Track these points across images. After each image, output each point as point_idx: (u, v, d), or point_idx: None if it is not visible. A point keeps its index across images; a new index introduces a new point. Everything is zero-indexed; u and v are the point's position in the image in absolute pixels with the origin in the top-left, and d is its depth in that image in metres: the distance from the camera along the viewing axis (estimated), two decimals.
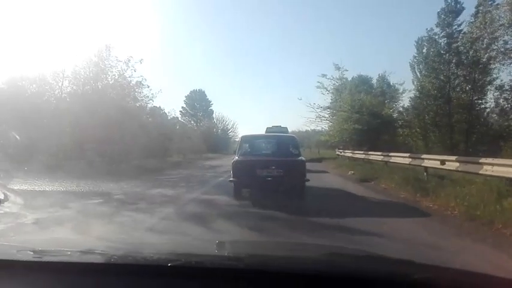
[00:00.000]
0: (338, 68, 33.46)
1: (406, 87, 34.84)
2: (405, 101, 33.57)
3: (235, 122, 72.05)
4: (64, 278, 1.44)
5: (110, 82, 25.04)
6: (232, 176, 9.59)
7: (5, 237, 3.59)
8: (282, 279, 1.40)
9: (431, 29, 31.70)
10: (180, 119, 70.42)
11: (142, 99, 29.76)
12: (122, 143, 24.51)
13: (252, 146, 11.00)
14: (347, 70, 32.95)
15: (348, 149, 27.86)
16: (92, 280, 1.44)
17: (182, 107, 73.74)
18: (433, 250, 4.79)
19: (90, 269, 1.49)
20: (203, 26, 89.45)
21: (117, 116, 25.72)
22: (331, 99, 42.12)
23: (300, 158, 10.04)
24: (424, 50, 34.05)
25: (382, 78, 50.31)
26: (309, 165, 11.16)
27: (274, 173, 9.21)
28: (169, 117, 62.62)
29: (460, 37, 30.20)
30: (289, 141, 11.39)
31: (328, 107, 31.52)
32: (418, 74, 52.97)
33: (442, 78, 30.18)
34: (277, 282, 1.39)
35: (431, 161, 11.80)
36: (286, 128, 31.01)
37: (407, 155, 14.53)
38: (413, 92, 32.44)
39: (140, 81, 27.62)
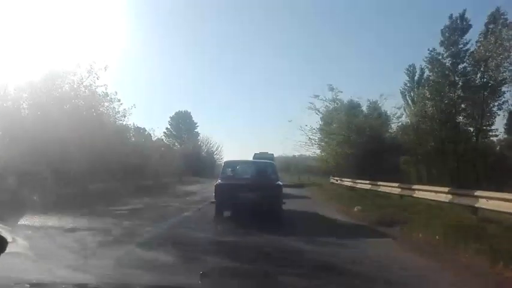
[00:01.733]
0: (332, 89, 29.91)
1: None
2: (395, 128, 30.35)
3: (220, 144, 67.92)
4: None
5: (67, 89, 20.77)
6: (214, 197, 10.06)
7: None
8: None
9: (434, 49, 28.37)
10: (164, 140, 67.05)
11: (109, 113, 25.79)
12: (79, 163, 20.38)
13: (233, 171, 11.56)
14: (341, 91, 29.45)
15: (344, 177, 23.89)
16: None
17: (166, 128, 69.61)
18: None
19: None
20: (190, 47, 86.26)
21: (76, 131, 21.68)
22: (323, 122, 38.74)
23: (277, 182, 10.47)
24: (427, 72, 30.76)
25: (374, 105, 47.17)
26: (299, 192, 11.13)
27: (252, 196, 9.65)
28: (153, 138, 59.16)
29: (467, 57, 27.13)
30: (268, 167, 12.02)
31: (322, 129, 27.72)
32: (409, 101, 50.13)
33: (446, 101, 26.86)
34: None
35: (491, 201, 7.80)
36: (273, 154, 30.39)
37: (443, 189, 10.45)
38: (406, 118, 29.32)
39: (106, 93, 23.70)
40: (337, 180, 22.89)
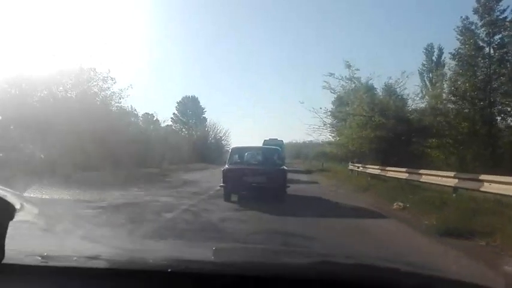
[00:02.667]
0: (348, 66, 26.58)
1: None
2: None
3: (227, 129, 64.72)
4: (69, 282, 1.45)
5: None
6: (222, 182, 10.39)
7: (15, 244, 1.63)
8: (278, 285, 1.39)
9: (467, 17, 24.60)
10: (173, 126, 64.18)
11: (106, 95, 23.02)
12: (70, 148, 17.70)
13: (240, 156, 11.99)
14: (358, 69, 25.98)
15: (367, 163, 20.62)
16: (97, 285, 1.45)
17: (173, 114, 66.73)
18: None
19: (94, 274, 1.49)
20: (198, 30, 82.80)
21: (66, 113, 19.02)
22: (338, 103, 35.39)
23: (282, 167, 10.98)
24: (458, 44, 26.94)
25: (389, 88, 43.37)
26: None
27: (258, 180, 10.07)
28: (161, 124, 56.52)
29: (504, 26, 23.36)
30: (274, 152, 12.54)
31: (340, 110, 24.36)
32: (427, 82, 46.12)
33: (481, 77, 23.26)
34: None
35: None
36: (282, 141, 30.65)
37: None
38: (426, 101, 25.82)
39: (94, 69, 20.80)
40: (358, 167, 19.53)
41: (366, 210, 9.39)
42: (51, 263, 1.53)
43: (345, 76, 26.57)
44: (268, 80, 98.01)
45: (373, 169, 16.93)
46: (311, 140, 74.96)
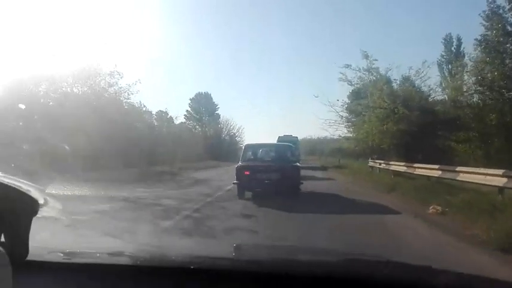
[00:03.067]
0: (366, 56, 24.91)
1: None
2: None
3: (241, 126, 63.45)
4: (92, 279, 1.43)
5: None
6: (236, 179, 10.28)
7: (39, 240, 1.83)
8: (304, 284, 1.36)
9: (494, 1, 22.71)
10: (187, 123, 63.29)
11: (110, 89, 22.05)
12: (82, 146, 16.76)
13: (254, 153, 11.82)
14: (376, 60, 24.31)
15: (391, 159, 19.08)
16: (119, 281, 1.43)
17: (187, 111, 65.72)
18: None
19: (117, 270, 1.48)
20: (210, 25, 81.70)
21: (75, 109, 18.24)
22: (353, 98, 33.81)
23: (295, 164, 10.97)
24: (483, 29, 24.98)
25: (407, 79, 41.37)
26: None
27: (272, 177, 9.98)
28: (175, 121, 55.66)
29: None
30: (287, 149, 12.28)
31: (359, 103, 22.77)
32: (446, 73, 43.93)
33: (510, 64, 21.41)
34: (295, 286, 1.35)
35: None
36: (297, 137, 30.51)
37: None
38: (445, 93, 24.07)
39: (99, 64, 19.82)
40: (380, 164, 17.98)
41: (396, 214, 8.01)
42: (73, 260, 1.54)
43: (363, 67, 24.96)
44: (281, 76, 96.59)
45: (398, 166, 15.42)
46: (326, 136, 73.26)
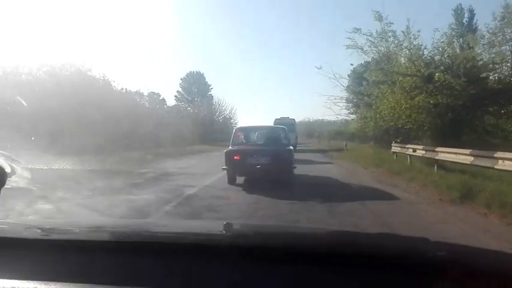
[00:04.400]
0: (379, 18, 19.53)
1: None
2: None
3: (233, 107, 57.93)
4: (71, 256, 1.34)
5: None
6: (225, 164, 9.59)
7: (13, 213, 2.98)
8: (293, 256, 1.25)
9: None
10: (179, 104, 58.11)
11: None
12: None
13: (245, 137, 11.29)
14: (392, 23, 18.93)
15: (427, 143, 13.89)
16: (99, 258, 1.33)
17: (177, 91, 60.54)
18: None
19: (97, 247, 1.38)
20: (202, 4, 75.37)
21: None
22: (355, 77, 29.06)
23: (287, 147, 10.09)
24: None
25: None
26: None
27: (262, 161, 9.29)
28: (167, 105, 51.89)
29: None
30: (280, 132, 11.47)
31: (381, 68, 17.28)
32: (457, 49, 38.57)
33: None
34: (288, 259, 1.24)
35: None
36: (294, 119, 29.65)
37: None
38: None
39: None
40: (413, 150, 12.38)
41: None
42: (52, 237, 1.44)
43: (376, 31, 19.57)
44: (278, 54, 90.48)
45: (452, 154, 9.70)
46: (323, 119, 67.66)
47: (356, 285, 1.15)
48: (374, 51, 20.38)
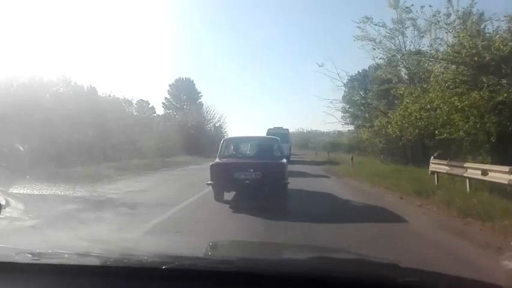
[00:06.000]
0: (395, 5, 15.45)
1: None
2: None
3: (222, 114, 53.27)
4: (61, 280, 1.40)
5: None
6: (210, 178, 8.35)
7: (5, 241, 2.38)
8: (272, 282, 1.33)
9: None
10: (168, 112, 53.64)
11: None
12: None
13: (233, 148, 10.20)
14: (411, 6, 14.76)
15: (457, 160, 9.51)
16: (88, 282, 1.39)
17: (165, 98, 55.94)
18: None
19: (86, 271, 1.43)
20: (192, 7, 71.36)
21: None
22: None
23: (280, 160, 8.93)
24: None
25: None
26: None
27: (252, 176, 8.17)
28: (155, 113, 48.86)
29: None
30: (272, 143, 10.38)
31: (419, 52, 12.82)
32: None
33: None
34: (267, 284, 1.33)
35: None
36: (287, 129, 28.55)
37: None
38: None
39: None
40: (485, 173, 7.22)
41: None
42: (42, 261, 1.46)
43: (392, 18, 15.36)
44: (271, 63, 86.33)
45: None
46: (316, 130, 63.00)
47: None
48: (386, 46, 16.13)
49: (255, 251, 2.08)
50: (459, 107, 9.41)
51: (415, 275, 1.37)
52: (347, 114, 40.74)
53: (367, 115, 24.36)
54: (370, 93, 23.32)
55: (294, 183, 9.30)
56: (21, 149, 13.38)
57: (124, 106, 37.23)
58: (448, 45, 11.10)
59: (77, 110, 21.10)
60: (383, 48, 16.31)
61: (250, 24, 77.32)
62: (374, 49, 16.23)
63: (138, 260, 1.49)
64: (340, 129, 58.54)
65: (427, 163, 10.93)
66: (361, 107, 26.46)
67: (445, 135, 10.29)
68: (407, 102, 11.86)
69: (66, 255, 1.55)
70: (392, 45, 16.09)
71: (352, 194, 9.79)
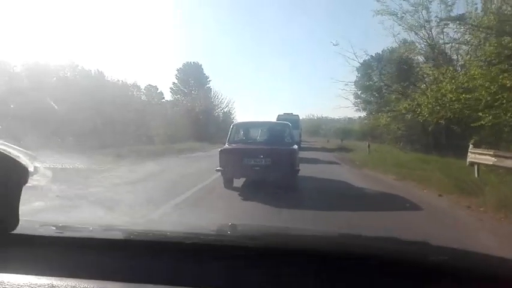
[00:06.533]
0: None
1: None
2: None
3: (231, 99, 51.49)
4: (85, 253, 1.31)
5: None
6: (219, 164, 8.20)
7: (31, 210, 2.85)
8: (299, 259, 1.22)
9: None
10: (176, 97, 52.41)
11: None
12: None
13: (243, 134, 9.78)
14: None
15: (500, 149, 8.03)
16: (112, 256, 1.30)
17: (173, 83, 54.64)
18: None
19: (110, 245, 1.37)
20: None
21: None
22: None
23: (291, 147, 8.68)
24: None
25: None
26: None
27: (261, 162, 8.00)
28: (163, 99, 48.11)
29: None
30: (283, 128, 10.00)
31: (474, 23, 10.95)
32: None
33: None
34: (292, 262, 1.20)
35: None
36: (298, 115, 27.79)
37: None
38: None
39: None
40: None
41: None
42: (66, 234, 1.42)
43: None
44: (282, 48, 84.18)
45: None
46: (327, 116, 61.07)
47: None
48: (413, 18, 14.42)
49: (279, 230, 2.08)
50: (508, 85, 7.80)
51: (447, 252, 1.29)
52: (359, 100, 38.99)
53: (382, 100, 22.70)
54: (386, 75, 21.59)
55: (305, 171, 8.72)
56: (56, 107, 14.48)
57: (132, 91, 36.66)
58: (491, 12, 9.39)
59: (102, 98, 21.24)
60: (405, 24, 14.65)
61: (260, 7, 74.95)
62: (398, 24, 14.61)
63: (163, 235, 1.47)
64: (351, 116, 56.93)
65: (452, 151, 9.55)
66: (375, 93, 24.81)
67: (490, 118, 8.68)
68: (441, 81, 10.23)
69: (91, 228, 1.51)
70: (414, 21, 14.42)
71: (378, 190, 8.32)
